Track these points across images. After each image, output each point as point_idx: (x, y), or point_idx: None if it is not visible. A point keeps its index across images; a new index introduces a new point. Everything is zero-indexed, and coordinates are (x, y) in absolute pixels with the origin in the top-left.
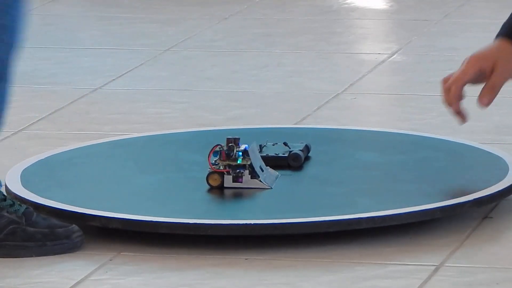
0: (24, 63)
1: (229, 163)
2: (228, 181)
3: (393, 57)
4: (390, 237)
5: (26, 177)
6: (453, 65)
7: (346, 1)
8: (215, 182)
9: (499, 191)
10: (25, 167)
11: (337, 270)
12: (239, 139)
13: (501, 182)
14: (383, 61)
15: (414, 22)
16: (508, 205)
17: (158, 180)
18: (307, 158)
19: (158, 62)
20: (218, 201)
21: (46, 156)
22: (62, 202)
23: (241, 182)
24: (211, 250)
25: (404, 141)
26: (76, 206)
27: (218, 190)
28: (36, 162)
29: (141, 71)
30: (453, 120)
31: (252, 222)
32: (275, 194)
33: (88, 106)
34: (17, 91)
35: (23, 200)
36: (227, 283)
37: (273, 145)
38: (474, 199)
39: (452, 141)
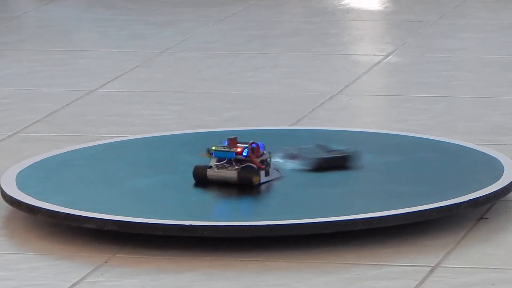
0: (20, 65)
1: (262, 159)
2: (262, 176)
3: (388, 58)
4: (386, 238)
5: (22, 180)
6: (449, 66)
7: (342, 3)
8: (257, 179)
9: (494, 191)
10: (21, 169)
11: (332, 271)
12: (236, 138)
13: (496, 183)
14: (378, 62)
15: (410, 23)
16: (504, 206)
17: (154, 182)
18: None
19: (153, 64)
20: (213, 202)
21: (42, 158)
22: (57, 204)
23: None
24: (207, 252)
25: (399, 142)
26: (72, 208)
27: (213, 191)
28: (31, 164)
29: (137, 73)
30: (448, 121)
31: (247, 224)
32: (270, 196)
33: (84, 108)
34: (13, 93)
35: (19, 203)
36: (222, 285)
37: (308, 147)
38: (470, 200)
39: (448, 142)
